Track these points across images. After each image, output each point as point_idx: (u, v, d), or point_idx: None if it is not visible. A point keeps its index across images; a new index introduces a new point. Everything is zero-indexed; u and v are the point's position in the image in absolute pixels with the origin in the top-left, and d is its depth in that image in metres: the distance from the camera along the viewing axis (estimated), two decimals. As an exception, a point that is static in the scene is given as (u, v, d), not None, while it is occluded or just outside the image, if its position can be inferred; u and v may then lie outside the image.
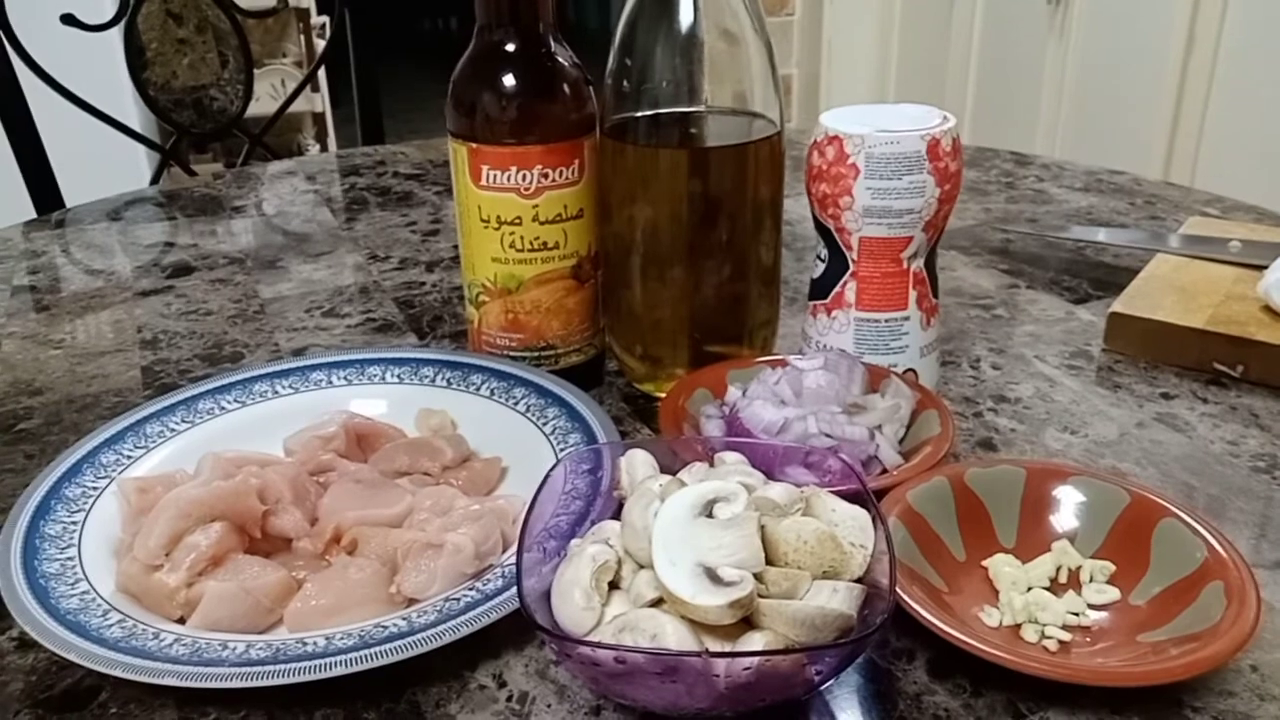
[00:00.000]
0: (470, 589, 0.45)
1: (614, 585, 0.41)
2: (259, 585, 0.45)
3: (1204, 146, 2.00)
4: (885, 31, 2.75)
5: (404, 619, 0.43)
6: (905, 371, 0.59)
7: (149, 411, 0.57)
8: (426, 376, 0.61)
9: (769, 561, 0.39)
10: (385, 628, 0.42)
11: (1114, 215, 0.91)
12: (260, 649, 0.41)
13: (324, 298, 0.78)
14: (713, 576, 0.37)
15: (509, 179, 0.57)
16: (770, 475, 0.50)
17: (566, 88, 0.57)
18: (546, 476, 0.44)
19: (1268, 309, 0.66)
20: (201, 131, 1.37)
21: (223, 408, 0.59)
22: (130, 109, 2.02)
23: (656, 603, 0.39)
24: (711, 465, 0.45)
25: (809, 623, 0.36)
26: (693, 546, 0.38)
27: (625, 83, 0.57)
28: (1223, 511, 0.52)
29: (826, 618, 0.36)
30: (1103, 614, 0.44)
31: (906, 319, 0.58)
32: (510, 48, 0.57)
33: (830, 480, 0.47)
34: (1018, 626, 0.44)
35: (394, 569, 0.46)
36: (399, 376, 0.61)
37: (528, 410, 0.57)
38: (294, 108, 1.53)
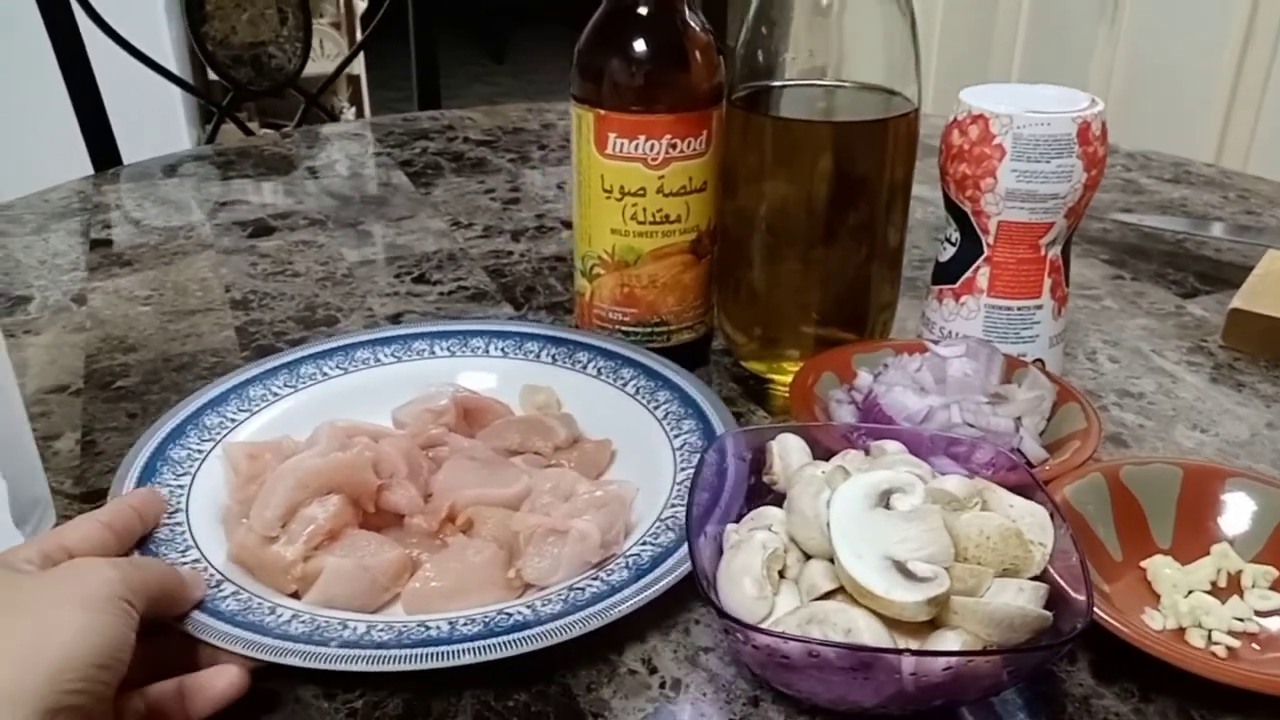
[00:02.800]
0: (594, 579, 0.43)
1: (780, 574, 0.39)
2: (377, 563, 0.44)
3: (1258, 141, 1.97)
4: (928, 16, 2.71)
5: (528, 607, 0.41)
6: (1034, 362, 0.57)
7: (252, 374, 0.56)
8: (531, 351, 0.60)
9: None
10: (509, 615, 0.41)
11: (1208, 209, 0.89)
12: (381, 630, 0.40)
13: (412, 263, 0.77)
14: (904, 571, 0.35)
15: (636, 148, 0.55)
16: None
17: (699, 54, 0.55)
18: (701, 463, 0.43)
19: (1394, 310, 0.64)
20: (259, 89, 1.34)
21: (325, 374, 0.57)
22: (171, 67, 2.00)
23: (829, 594, 0.37)
24: (868, 454, 0.44)
25: (1006, 623, 0.35)
26: (876, 539, 0.36)
27: (760, 53, 0.55)
28: (1369, 518, 0.50)
29: (1026, 618, 0.35)
30: (1270, 620, 0.43)
31: (1039, 308, 0.56)
32: (642, 11, 0.55)
33: (982, 473, 0.46)
34: (1182, 630, 0.43)
35: (512, 552, 0.45)
36: (503, 350, 0.60)
37: (637, 392, 0.56)
38: (328, 70, 1.49)
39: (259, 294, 0.72)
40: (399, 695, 0.40)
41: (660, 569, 0.42)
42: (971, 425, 0.49)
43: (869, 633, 0.34)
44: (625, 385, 0.57)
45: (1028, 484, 0.42)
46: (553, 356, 0.59)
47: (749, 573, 0.38)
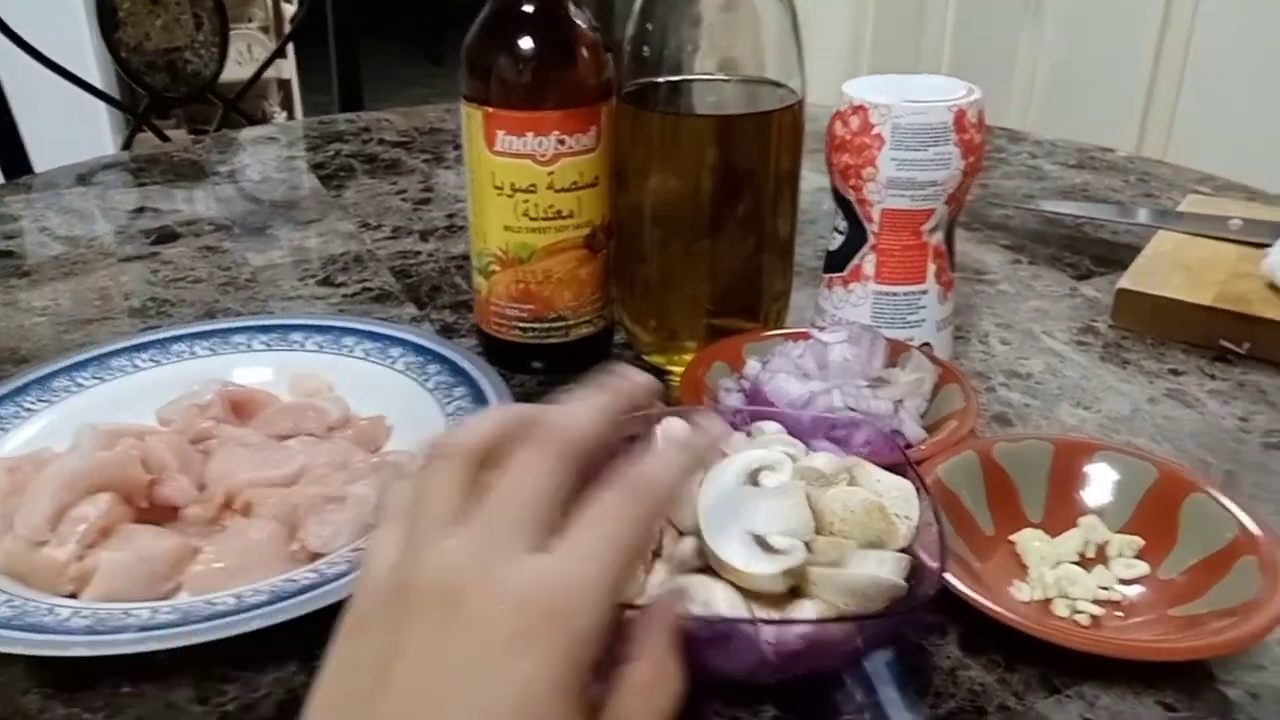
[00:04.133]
0: None
1: (655, 553, 0.40)
2: (154, 553, 0.44)
3: (1176, 128, 2.02)
4: (860, 10, 2.73)
5: (315, 571, 0.43)
6: (921, 346, 0.58)
7: (1, 393, 0.54)
8: (296, 342, 0.60)
9: (815, 531, 0.38)
10: (295, 581, 0.42)
11: (1109, 192, 0.92)
12: (167, 613, 0.40)
13: (317, 266, 0.76)
14: (763, 545, 0.36)
15: (525, 145, 0.55)
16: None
17: (585, 51, 0.56)
18: None
19: (1272, 287, 0.66)
20: (175, 95, 1.33)
21: (80, 385, 0.56)
22: (94, 74, 1.96)
23: (700, 570, 0.38)
24: (748, 436, 0.45)
25: (861, 592, 0.36)
26: (741, 515, 0.37)
27: (646, 48, 0.56)
28: (1239, 487, 0.52)
29: (879, 587, 0.36)
30: (1132, 588, 0.44)
31: (925, 292, 0.58)
32: (528, 9, 0.55)
33: (858, 453, 0.47)
34: (1048, 601, 0.44)
35: (293, 527, 0.46)
36: (266, 344, 0.60)
37: (407, 368, 0.57)
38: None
39: (158, 301, 0.71)
40: (272, 697, 0.40)
41: None
42: (852, 409, 0.50)
43: (725, 604, 0.35)
44: (394, 363, 0.58)
45: (902, 463, 0.43)
46: (319, 344, 0.60)
47: None
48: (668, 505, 0.31)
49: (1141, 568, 0.45)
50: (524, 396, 0.60)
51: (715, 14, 0.55)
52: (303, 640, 0.41)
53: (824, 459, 0.42)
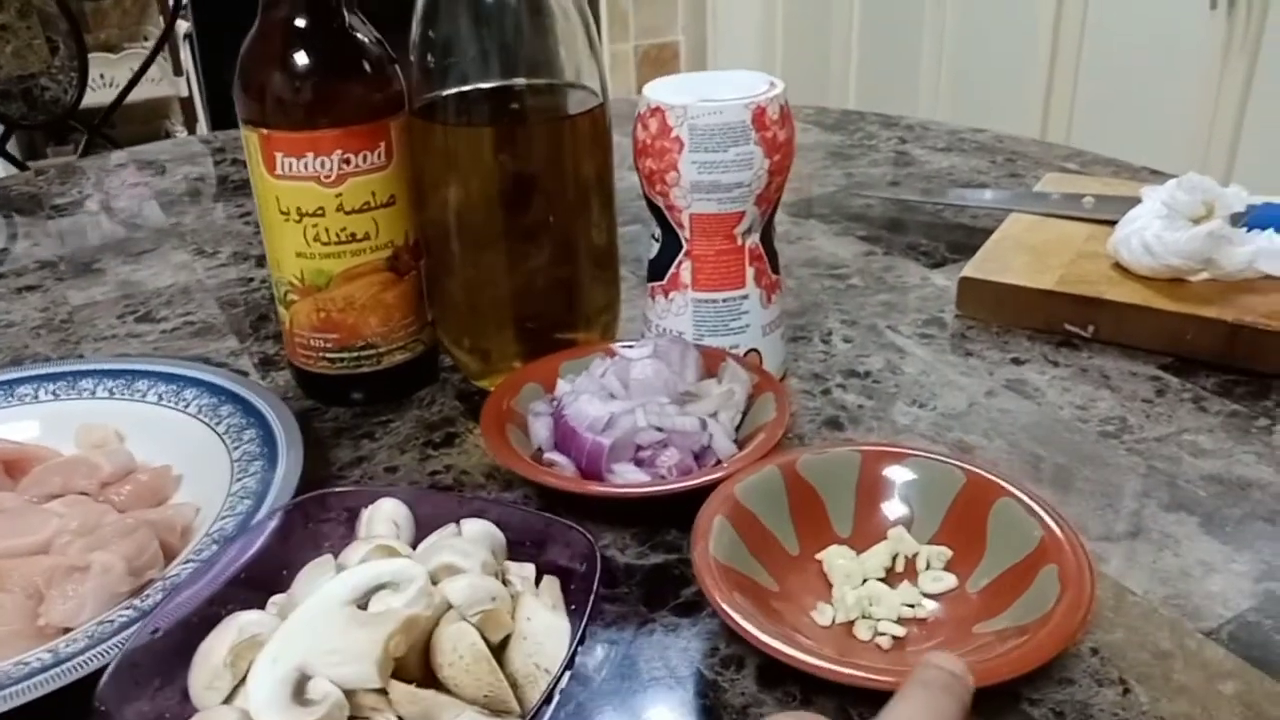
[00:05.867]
0: (127, 608, 0.41)
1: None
2: None
3: (1078, 105, 2.02)
4: (769, 6, 2.71)
5: (50, 651, 0.39)
6: (747, 352, 0.56)
7: None
8: (87, 389, 0.57)
9: (431, 671, 0.34)
10: (27, 664, 0.38)
11: (974, 175, 0.90)
12: None
13: (140, 301, 0.72)
14: (299, 688, 0.31)
15: (306, 166, 0.52)
16: (599, 476, 0.47)
17: (366, 65, 0.52)
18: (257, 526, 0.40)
19: (1118, 266, 0.65)
20: (33, 124, 1.27)
21: None
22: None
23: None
24: (458, 530, 0.40)
25: None
26: (311, 642, 0.32)
27: (430, 57, 0.53)
28: (1070, 482, 0.50)
29: None
30: (938, 605, 0.42)
31: (745, 298, 0.55)
32: (300, 23, 0.52)
33: (666, 476, 0.45)
34: (851, 623, 0.41)
35: (39, 601, 0.42)
36: (54, 393, 0.57)
37: (199, 411, 0.54)
38: (159, 93, 1.43)
39: (-39, 351, 0.67)
40: (-2, 794, 0.36)
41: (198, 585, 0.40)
42: (658, 428, 0.48)
43: None
44: (187, 407, 0.55)
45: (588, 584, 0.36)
46: (110, 390, 0.57)
47: (211, 657, 0.35)
48: None
49: (950, 580, 0.43)
50: (336, 431, 0.56)
51: (500, 16, 0.52)
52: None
53: (467, 586, 0.35)
